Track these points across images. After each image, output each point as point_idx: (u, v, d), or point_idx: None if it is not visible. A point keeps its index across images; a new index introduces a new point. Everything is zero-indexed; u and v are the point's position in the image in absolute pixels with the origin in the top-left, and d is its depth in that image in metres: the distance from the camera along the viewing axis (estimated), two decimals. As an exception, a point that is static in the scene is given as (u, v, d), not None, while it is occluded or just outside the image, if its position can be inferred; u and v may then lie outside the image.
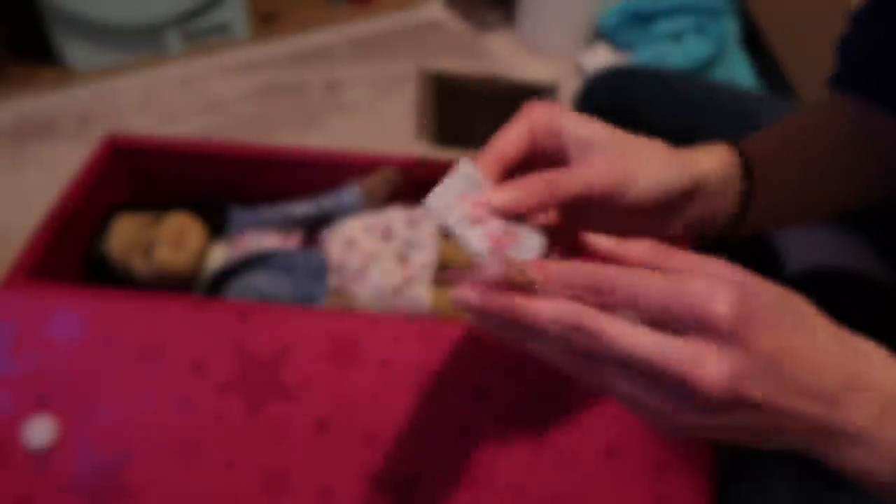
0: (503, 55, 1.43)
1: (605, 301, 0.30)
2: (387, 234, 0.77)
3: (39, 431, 0.58)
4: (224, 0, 1.36)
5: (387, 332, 0.60)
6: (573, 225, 0.41)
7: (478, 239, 0.34)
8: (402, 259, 0.76)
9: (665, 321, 0.30)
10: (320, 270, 0.74)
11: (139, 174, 0.83)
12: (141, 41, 1.33)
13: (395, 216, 0.79)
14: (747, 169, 0.44)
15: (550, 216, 0.42)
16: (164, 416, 0.59)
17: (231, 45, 1.41)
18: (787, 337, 0.30)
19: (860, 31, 0.54)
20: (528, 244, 0.36)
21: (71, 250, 0.74)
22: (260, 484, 0.58)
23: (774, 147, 0.48)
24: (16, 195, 1.04)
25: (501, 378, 0.59)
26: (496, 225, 0.35)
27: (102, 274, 0.76)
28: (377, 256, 0.75)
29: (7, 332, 0.60)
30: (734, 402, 0.29)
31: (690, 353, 0.29)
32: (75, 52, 1.28)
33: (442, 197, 0.37)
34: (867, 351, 0.32)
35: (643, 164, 0.38)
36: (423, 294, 0.74)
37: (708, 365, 0.29)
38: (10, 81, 1.26)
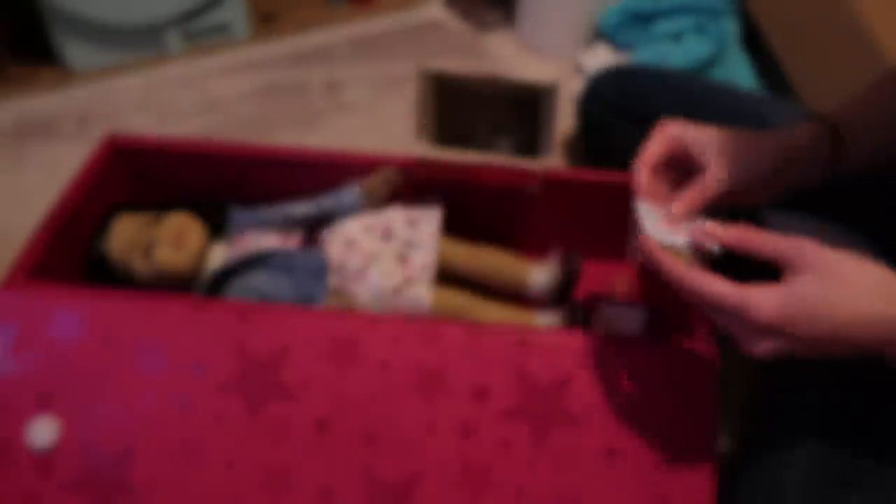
0: (503, 55, 1.43)
1: None
2: (387, 234, 0.77)
3: (42, 431, 0.58)
4: (224, 0, 1.36)
5: (387, 332, 0.60)
6: None
7: (681, 241, 0.52)
8: (402, 259, 0.76)
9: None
10: (320, 270, 0.74)
11: (139, 174, 0.83)
12: (141, 41, 1.33)
13: (395, 216, 0.79)
14: (834, 138, 0.57)
15: None
16: (165, 415, 0.59)
17: (231, 45, 1.41)
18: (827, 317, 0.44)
19: None
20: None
21: (71, 250, 0.74)
22: (260, 484, 0.58)
23: (863, 108, 0.59)
24: (16, 195, 1.04)
25: (501, 378, 0.59)
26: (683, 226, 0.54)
27: (102, 274, 0.76)
28: (377, 256, 0.75)
29: (7, 332, 0.60)
30: (780, 332, 0.44)
31: (753, 296, 0.44)
32: (75, 52, 1.28)
33: (651, 228, 0.53)
34: None
35: (742, 161, 0.54)
36: (423, 294, 0.74)
37: (762, 308, 0.44)
38: (10, 81, 1.26)
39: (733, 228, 0.48)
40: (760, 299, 0.44)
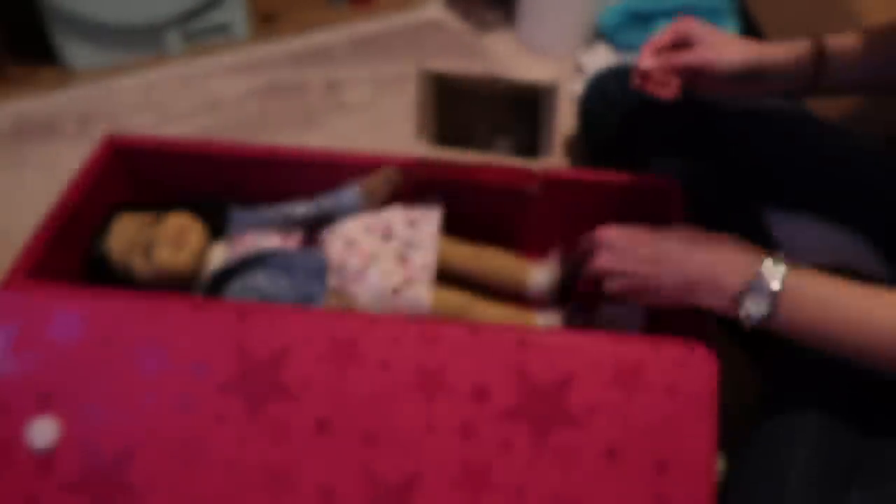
0: (503, 55, 1.43)
1: None
2: (387, 234, 0.77)
3: (42, 431, 0.58)
4: (224, 0, 1.36)
5: (387, 332, 0.60)
6: (691, 85, 0.69)
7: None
8: (402, 259, 0.76)
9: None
10: (320, 270, 0.74)
11: (139, 174, 0.83)
12: (141, 41, 1.33)
13: (395, 216, 0.79)
14: (819, 56, 0.66)
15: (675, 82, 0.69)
16: (165, 415, 0.59)
17: (231, 45, 1.41)
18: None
19: None
20: None
21: (71, 250, 0.74)
22: (260, 484, 0.58)
23: (853, 40, 0.66)
24: (16, 195, 1.04)
25: (501, 378, 0.59)
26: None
27: (102, 274, 0.76)
28: (377, 256, 0.75)
29: (7, 332, 0.60)
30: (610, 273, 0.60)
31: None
32: (75, 52, 1.28)
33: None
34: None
35: (722, 52, 0.66)
36: (423, 294, 0.74)
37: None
38: (9, 81, 1.26)
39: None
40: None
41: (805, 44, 0.66)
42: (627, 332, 0.78)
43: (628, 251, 0.59)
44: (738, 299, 0.53)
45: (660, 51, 0.68)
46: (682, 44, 0.68)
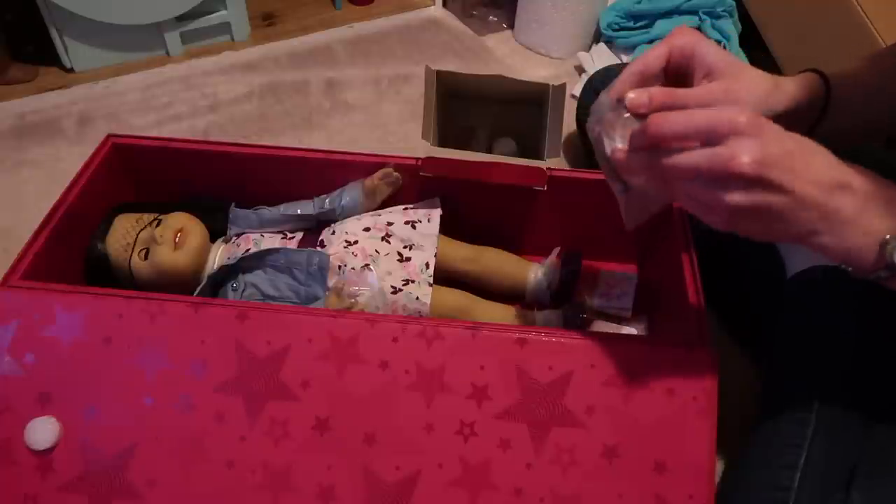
0: (503, 55, 1.43)
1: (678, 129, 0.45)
2: (387, 235, 0.77)
3: (42, 431, 0.58)
4: (224, 0, 1.36)
5: (387, 332, 0.60)
6: None
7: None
8: (402, 259, 0.76)
9: (712, 140, 0.43)
10: (320, 270, 0.74)
11: (139, 174, 0.83)
12: (141, 41, 1.33)
13: (395, 216, 0.79)
14: (828, 95, 0.57)
15: None
16: (165, 415, 0.59)
17: (231, 45, 1.41)
18: (797, 143, 0.44)
19: None
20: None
21: (71, 250, 0.74)
22: (260, 484, 0.58)
23: (853, 78, 0.59)
24: (16, 195, 1.04)
25: (501, 378, 0.59)
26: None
27: (102, 274, 0.76)
28: (377, 256, 0.75)
29: (7, 332, 0.60)
30: (760, 181, 0.42)
31: (729, 151, 0.42)
32: (75, 52, 1.28)
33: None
34: (852, 169, 0.45)
35: (745, 92, 0.52)
36: (423, 294, 0.74)
37: (742, 155, 0.42)
38: (10, 81, 1.26)
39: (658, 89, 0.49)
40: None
41: (814, 77, 0.58)
42: (623, 303, 0.81)
43: (797, 161, 0.43)
44: (886, 243, 0.44)
45: (648, 79, 0.53)
46: (678, 69, 0.54)
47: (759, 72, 0.54)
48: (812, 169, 0.44)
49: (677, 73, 0.54)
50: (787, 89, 0.55)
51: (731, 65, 0.52)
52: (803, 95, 0.56)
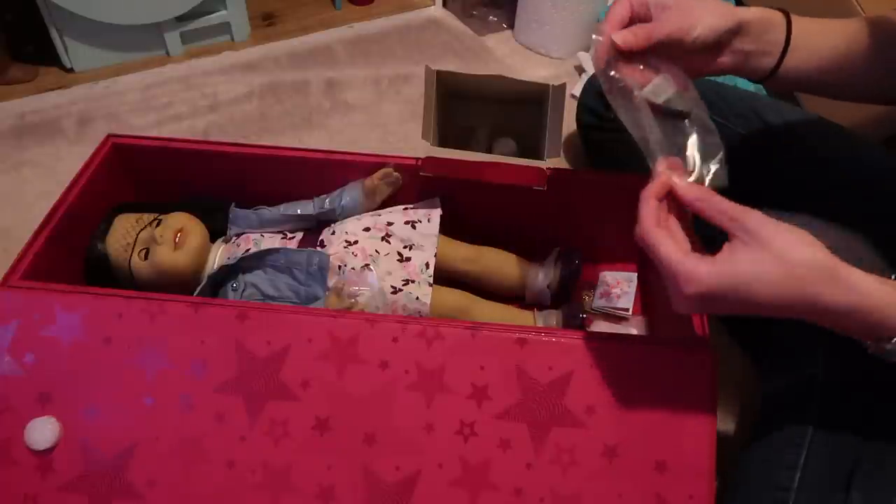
0: (503, 55, 1.43)
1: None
2: (387, 235, 0.77)
3: (42, 431, 0.58)
4: (224, 0, 1.36)
5: (387, 332, 0.60)
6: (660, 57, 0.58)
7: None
8: (402, 259, 0.76)
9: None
10: (320, 270, 0.74)
11: (139, 174, 0.83)
12: (141, 41, 1.33)
13: (395, 216, 0.79)
14: (788, 28, 0.59)
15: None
16: (165, 415, 0.59)
17: (231, 45, 1.41)
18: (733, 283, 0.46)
19: None
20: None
21: (71, 250, 0.74)
22: (260, 484, 0.58)
23: (818, 24, 0.61)
24: (16, 195, 1.04)
25: (501, 378, 0.59)
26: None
27: (102, 274, 0.76)
28: (377, 256, 0.75)
29: (7, 332, 0.60)
30: (706, 309, 0.49)
31: (684, 271, 0.46)
32: (75, 52, 1.28)
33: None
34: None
35: (700, 15, 0.55)
36: (423, 294, 0.74)
37: (684, 290, 0.46)
38: (10, 81, 1.26)
39: (693, 187, 0.50)
40: (690, 274, 0.46)
41: (778, 14, 0.60)
42: (624, 302, 0.81)
43: (717, 309, 0.48)
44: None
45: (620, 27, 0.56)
46: (639, 17, 0.57)
47: (712, 1, 0.57)
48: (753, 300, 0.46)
49: (637, 16, 0.57)
50: (747, 15, 0.58)
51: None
52: (760, 18, 0.58)
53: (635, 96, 0.55)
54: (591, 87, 1.02)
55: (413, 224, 0.78)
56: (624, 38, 0.55)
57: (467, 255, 0.82)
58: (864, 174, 0.73)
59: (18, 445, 0.58)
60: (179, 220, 0.76)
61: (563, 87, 0.76)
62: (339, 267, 0.74)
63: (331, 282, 0.73)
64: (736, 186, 0.56)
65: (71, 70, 1.31)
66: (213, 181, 0.82)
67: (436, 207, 0.80)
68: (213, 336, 0.60)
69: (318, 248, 0.76)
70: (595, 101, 0.99)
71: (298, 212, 0.80)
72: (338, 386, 0.59)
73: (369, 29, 1.49)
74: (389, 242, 0.77)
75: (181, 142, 0.80)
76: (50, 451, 0.58)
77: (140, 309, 0.61)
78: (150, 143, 0.80)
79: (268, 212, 0.80)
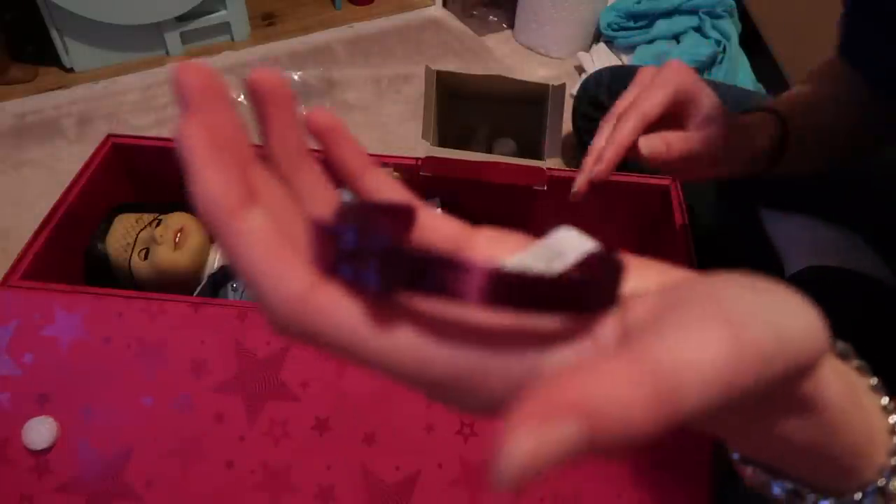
0: (503, 55, 1.43)
1: None
2: (387, 234, 0.77)
3: (40, 432, 0.58)
4: (224, 0, 1.36)
5: (387, 332, 0.60)
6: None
7: None
8: (402, 259, 0.76)
9: None
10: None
11: (139, 174, 0.83)
12: (141, 41, 1.33)
13: (395, 216, 0.79)
14: (784, 136, 0.56)
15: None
16: (164, 415, 0.59)
17: (231, 45, 1.41)
18: None
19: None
20: None
21: (71, 250, 0.74)
22: (260, 484, 0.58)
23: (803, 112, 0.58)
24: (16, 195, 1.04)
25: (501, 378, 0.59)
26: None
27: (102, 274, 0.76)
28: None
29: (7, 332, 0.60)
30: None
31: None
32: (75, 52, 1.29)
33: None
34: None
35: (731, 144, 0.52)
36: (422, 294, 0.73)
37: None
38: (10, 81, 1.26)
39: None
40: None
41: (769, 116, 0.58)
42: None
43: None
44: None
45: (652, 125, 0.51)
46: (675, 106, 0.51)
47: (736, 125, 0.53)
48: None
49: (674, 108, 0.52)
50: (755, 141, 0.55)
51: (719, 113, 0.51)
52: (768, 145, 0.56)
53: None
54: (585, 93, 1.02)
55: (413, 224, 0.78)
56: (655, 147, 0.49)
57: (467, 255, 0.82)
58: (864, 173, 0.73)
59: (16, 445, 0.58)
60: (179, 220, 0.76)
61: (562, 87, 0.77)
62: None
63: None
64: (736, 186, 0.56)
65: (71, 70, 1.31)
66: (213, 181, 0.82)
67: (436, 207, 0.80)
68: (213, 336, 0.60)
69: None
70: (588, 108, 1.00)
71: (298, 212, 0.80)
72: (337, 386, 0.59)
73: (369, 29, 1.49)
74: (389, 242, 0.77)
75: (181, 142, 0.80)
76: (47, 451, 0.58)
77: (140, 309, 0.61)
78: (150, 143, 0.80)
79: (268, 212, 0.80)
